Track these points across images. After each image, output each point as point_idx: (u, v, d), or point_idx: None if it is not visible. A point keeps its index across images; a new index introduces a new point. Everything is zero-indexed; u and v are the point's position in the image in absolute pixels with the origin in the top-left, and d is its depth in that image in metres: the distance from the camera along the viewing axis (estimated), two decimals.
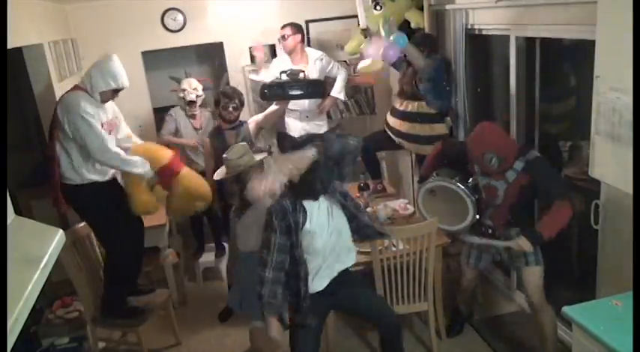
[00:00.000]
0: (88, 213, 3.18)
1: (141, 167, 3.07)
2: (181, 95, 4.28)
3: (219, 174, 3.00)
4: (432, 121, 3.81)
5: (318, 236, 2.52)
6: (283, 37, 4.35)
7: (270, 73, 4.37)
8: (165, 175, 3.18)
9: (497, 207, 2.88)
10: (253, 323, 2.96)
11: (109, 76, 2.98)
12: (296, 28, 4.38)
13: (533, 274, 2.89)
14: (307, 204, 2.51)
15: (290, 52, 4.38)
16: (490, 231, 2.95)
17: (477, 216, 2.92)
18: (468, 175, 2.97)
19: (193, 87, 4.29)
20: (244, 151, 2.90)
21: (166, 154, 3.22)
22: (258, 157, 2.96)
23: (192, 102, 4.27)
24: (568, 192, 2.73)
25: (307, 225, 2.50)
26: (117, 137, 3.21)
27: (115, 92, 3.08)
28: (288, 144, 2.61)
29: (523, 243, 2.72)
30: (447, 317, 3.46)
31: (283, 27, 4.39)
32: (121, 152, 3.04)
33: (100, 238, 3.30)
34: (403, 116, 3.89)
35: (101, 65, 3.02)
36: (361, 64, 4.20)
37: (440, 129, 3.82)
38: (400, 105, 3.93)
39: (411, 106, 3.85)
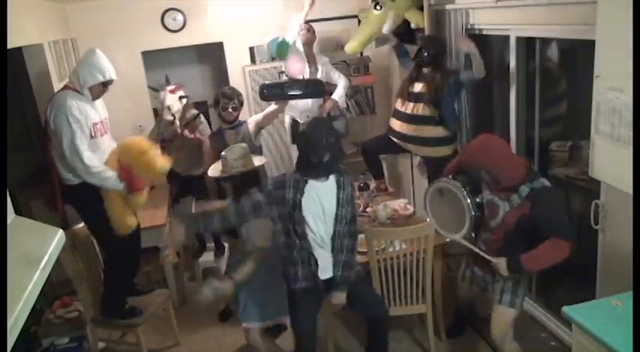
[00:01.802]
0: (86, 213, 3.17)
1: (111, 182, 2.97)
2: (166, 109, 4.09)
3: (214, 170, 2.98)
4: (436, 123, 3.77)
5: (310, 221, 2.59)
6: (308, 30, 4.40)
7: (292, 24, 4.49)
8: (125, 178, 3.03)
9: (492, 232, 2.72)
10: (245, 325, 2.96)
11: (96, 70, 2.95)
12: (314, 30, 4.46)
13: (501, 314, 2.77)
14: (311, 185, 2.57)
15: (306, 46, 4.42)
16: (478, 248, 2.82)
17: (473, 234, 2.87)
18: (479, 189, 2.84)
19: (167, 104, 3.94)
20: (244, 153, 2.90)
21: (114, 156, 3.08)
22: (256, 161, 2.96)
23: (172, 123, 4.02)
24: (571, 233, 2.49)
25: (303, 205, 2.56)
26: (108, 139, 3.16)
27: (105, 86, 3.04)
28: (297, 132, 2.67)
29: (501, 265, 2.60)
30: (450, 317, 3.45)
31: (306, 23, 4.44)
32: (95, 164, 2.92)
33: (97, 238, 3.29)
34: (408, 119, 3.83)
35: (86, 60, 3.00)
36: None
37: (443, 131, 3.79)
38: (404, 107, 3.85)
39: (416, 109, 3.78)
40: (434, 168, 3.93)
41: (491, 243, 2.74)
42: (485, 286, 2.91)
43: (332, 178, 2.61)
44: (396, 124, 3.92)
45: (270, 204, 2.59)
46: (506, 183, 2.56)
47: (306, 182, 2.57)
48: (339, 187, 2.62)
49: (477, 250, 2.78)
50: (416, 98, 3.77)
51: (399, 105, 3.91)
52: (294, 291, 2.68)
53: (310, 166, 2.57)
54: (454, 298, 3.36)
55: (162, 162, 3.11)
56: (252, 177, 2.91)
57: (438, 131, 3.78)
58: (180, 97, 4.10)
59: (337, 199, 2.61)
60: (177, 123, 3.99)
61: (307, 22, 4.48)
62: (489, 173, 2.64)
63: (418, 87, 3.77)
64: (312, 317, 2.75)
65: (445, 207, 2.99)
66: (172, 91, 4.07)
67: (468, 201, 2.77)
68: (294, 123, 4.55)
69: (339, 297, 2.69)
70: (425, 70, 3.74)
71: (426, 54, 3.70)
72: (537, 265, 2.58)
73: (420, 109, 3.76)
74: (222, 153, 2.93)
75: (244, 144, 3.03)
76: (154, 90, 4.23)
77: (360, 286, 2.80)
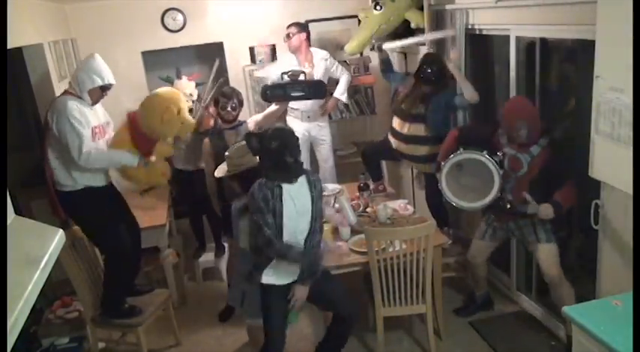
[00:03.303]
0: (83, 220, 3.17)
1: (128, 157, 3.08)
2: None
3: (220, 171, 3.01)
4: (434, 142, 3.70)
5: (286, 223, 2.63)
6: (288, 36, 4.35)
7: (272, 70, 4.40)
8: (141, 142, 3.16)
9: (519, 180, 2.97)
10: (249, 321, 2.98)
11: (94, 73, 2.98)
12: (301, 27, 4.39)
13: (547, 251, 3.02)
14: (286, 189, 2.62)
15: (295, 51, 4.38)
16: (509, 207, 3.00)
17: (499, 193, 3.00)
18: (493, 151, 3.02)
19: (189, 93, 4.15)
20: (247, 151, 2.91)
21: (126, 133, 3.19)
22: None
23: (190, 110, 4.18)
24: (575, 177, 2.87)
25: (284, 211, 2.61)
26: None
27: (103, 90, 3.07)
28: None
29: (546, 210, 2.85)
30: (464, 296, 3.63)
31: (289, 26, 4.40)
32: (103, 149, 3.03)
33: (96, 243, 3.29)
34: (405, 139, 3.79)
35: (85, 64, 3.05)
36: None
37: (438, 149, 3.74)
38: (401, 127, 3.79)
39: (413, 129, 3.72)
40: (429, 181, 3.98)
41: (519, 190, 2.98)
42: (508, 234, 3.24)
43: (302, 178, 2.69)
44: (394, 141, 3.90)
45: (253, 212, 2.64)
46: (532, 137, 2.90)
47: (280, 188, 2.61)
48: (310, 185, 2.69)
49: (520, 208, 2.95)
50: (414, 119, 3.70)
51: (396, 124, 3.84)
52: (268, 289, 2.73)
53: (285, 168, 2.61)
54: (469, 273, 3.54)
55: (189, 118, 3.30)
56: (258, 173, 2.93)
57: (434, 149, 3.70)
58: (197, 85, 4.25)
59: (311, 197, 2.68)
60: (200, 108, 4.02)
61: (294, 24, 4.45)
62: (526, 127, 2.88)
63: (419, 108, 3.69)
64: (284, 315, 2.78)
65: (460, 182, 3.09)
66: (190, 79, 4.22)
67: (493, 160, 2.95)
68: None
69: (302, 291, 2.70)
70: (425, 88, 3.65)
71: (428, 71, 3.59)
72: (569, 203, 2.89)
73: (417, 130, 3.71)
74: (226, 153, 2.94)
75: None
76: (167, 80, 4.28)
77: (326, 283, 2.83)
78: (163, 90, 3.35)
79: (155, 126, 3.17)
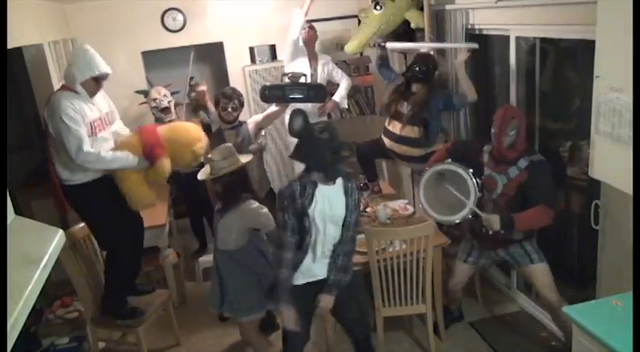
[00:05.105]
0: (88, 213, 3.16)
1: (126, 161, 2.98)
2: (154, 105, 4.26)
3: (202, 173, 2.98)
4: (427, 145, 3.74)
5: (319, 224, 2.48)
6: (311, 28, 4.45)
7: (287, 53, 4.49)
8: (148, 149, 3.05)
9: (494, 202, 2.93)
10: (245, 318, 3.01)
11: (84, 65, 2.90)
12: (314, 29, 4.52)
13: (541, 271, 2.96)
14: (320, 190, 2.45)
15: (311, 46, 4.46)
16: (484, 230, 2.94)
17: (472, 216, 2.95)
18: (477, 173, 2.97)
19: (162, 94, 4.26)
20: (228, 153, 2.90)
21: (135, 136, 3.12)
22: (243, 159, 2.96)
23: (166, 109, 4.24)
24: (555, 203, 2.85)
25: (310, 209, 2.44)
26: (110, 132, 3.15)
27: (97, 81, 2.98)
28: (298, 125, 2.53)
29: (493, 220, 2.82)
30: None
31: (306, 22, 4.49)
32: (101, 151, 2.93)
33: (99, 238, 3.28)
34: (397, 139, 3.79)
35: (74, 57, 2.99)
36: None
37: (434, 149, 3.71)
38: (393, 127, 3.80)
39: (406, 131, 3.72)
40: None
41: (495, 213, 2.90)
42: (494, 260, 3.18)
43: (339, 183, 2.51)
44: (387, 142, 3.89)
45: (277, 209, 2.49)
46: (514, 153, 2.87)
47: (315, 184, 2.44)
48: (346, 193, 2.52)
49: (472, 206, 2.90)
50: (405, 119, 3.71)
51: (387, 123, 3.86)
52: (292, 288, 2.59)
53: (322, 165, 2.42)
54: (444, 291, 3.38)
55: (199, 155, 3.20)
56: (240, 176, 2.92)
57: (427, 151, 3.71)
58: (172, 93, 4.41)
59: (346, 206, 2.52)
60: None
61: (307, 21, 4.49)
62: (516, 128, 2.84)
63: (406, 107, 3.71)
64: (306, 316, 2.67)
65: (439, 192, 3.03)
66: (165, 86, 4.36)
67: (474, 178, 2.91)
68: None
69: (327, 300, 2.59)
70: (414, 87, 3.68)
71: (417, 69, 3.63)
72: (526, 226, 2.86)
73: (409, 132, 3.71)
74: (208, 155, 2.93)
75: (229, 144, 3.04)
76: (143, 92, 4.39)
77: (348, 295, 2.68)
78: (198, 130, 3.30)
79: (182, 154, 3.15)
